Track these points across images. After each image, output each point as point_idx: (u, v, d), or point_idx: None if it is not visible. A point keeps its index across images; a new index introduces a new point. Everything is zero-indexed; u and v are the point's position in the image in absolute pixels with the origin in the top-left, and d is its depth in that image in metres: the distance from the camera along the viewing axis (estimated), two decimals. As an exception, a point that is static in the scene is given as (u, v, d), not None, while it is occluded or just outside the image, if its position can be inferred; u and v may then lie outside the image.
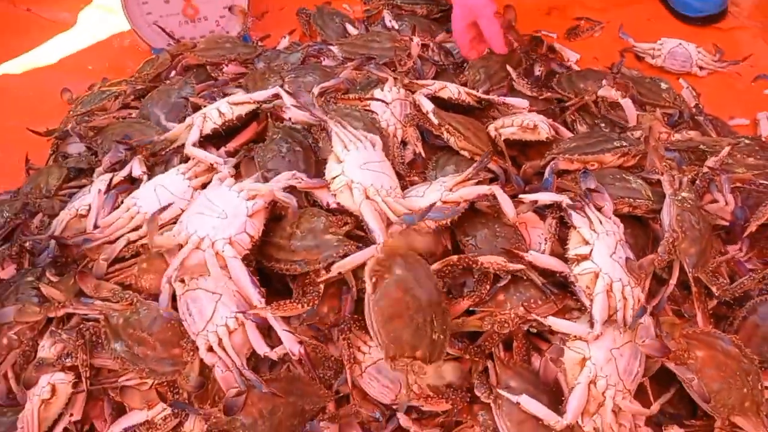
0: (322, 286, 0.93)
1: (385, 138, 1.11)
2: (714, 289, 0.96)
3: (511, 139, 1.16)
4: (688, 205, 0.98)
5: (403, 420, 0.90)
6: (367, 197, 0.95)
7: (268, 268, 0.98)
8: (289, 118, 1.12)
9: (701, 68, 1.53)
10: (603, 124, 1.25)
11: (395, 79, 1.24)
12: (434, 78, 1.42)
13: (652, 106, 1.34)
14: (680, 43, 1.55)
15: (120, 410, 0.97)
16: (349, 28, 1.66)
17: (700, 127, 1.31)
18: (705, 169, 1.06)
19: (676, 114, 1.31)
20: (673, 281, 0.95)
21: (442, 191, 0.99)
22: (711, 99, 1.49)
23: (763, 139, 1.34)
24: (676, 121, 1.29)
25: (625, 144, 1.10)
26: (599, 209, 0.97)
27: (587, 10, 1.77)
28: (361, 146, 1.03)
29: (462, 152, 1.15)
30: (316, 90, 1.21)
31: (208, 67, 1.47)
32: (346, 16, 1.75)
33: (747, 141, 1.25)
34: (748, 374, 0.90)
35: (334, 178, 0.98)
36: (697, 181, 1.06)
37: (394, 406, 0.91)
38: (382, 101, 1.17)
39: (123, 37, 1.74)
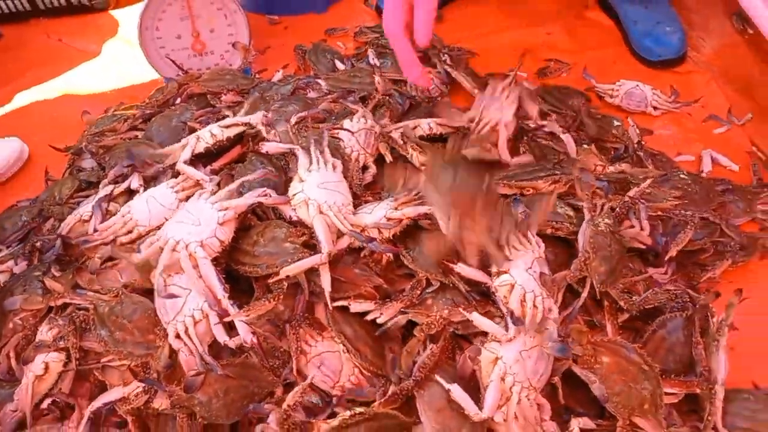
0: (285, 284, 1.06)
1: (347, 162, 1.26)
2: (622, 303, 1.07)
3: None
4: (602, 229, 1.10)
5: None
6: (320, 212, 1.10)
7: (236, 270, 1.12)
8: (266, 151, 1.28)
9: (655, 108, 1.65)
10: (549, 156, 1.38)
11: (365, 111, 1.40)
12: (408, 110, 1.59)
13: (601, 141, 1.47)
14: (637, 85, 1.68)
15: (102, 389, 1.11)
16: (338, 63, 1.83)
17: (641, 162, 1.42)
18: (626, 198, 1.18)
19: (621, 148, 1.43)
20: (584, 294, 1.06)
21: (388, 209, 1.12)
22: (663, 136, 1.61)
23: (703, 175, 1.45)
24: (621, 154, 1.42)
25: (557, 172, 1.23)
26: (525, 229, 1.10)
27: (560, 53, 1.90)
28: (323, 168, 1.19)
29: (421, 168, 1.28)
30: (293, 119, 1.38)
31: (208, 95, 1.65)
32: (338, 52, 1.92)
33: (682, 176, 1.37)
34: (648, 379, 1.00)
35: (295, 195, 1.13)
36: (617, 208, 1.18)
37: (333, 393, 1.04)
38: (348, 130, 1.33)
39: (139, 66, 1.92)
